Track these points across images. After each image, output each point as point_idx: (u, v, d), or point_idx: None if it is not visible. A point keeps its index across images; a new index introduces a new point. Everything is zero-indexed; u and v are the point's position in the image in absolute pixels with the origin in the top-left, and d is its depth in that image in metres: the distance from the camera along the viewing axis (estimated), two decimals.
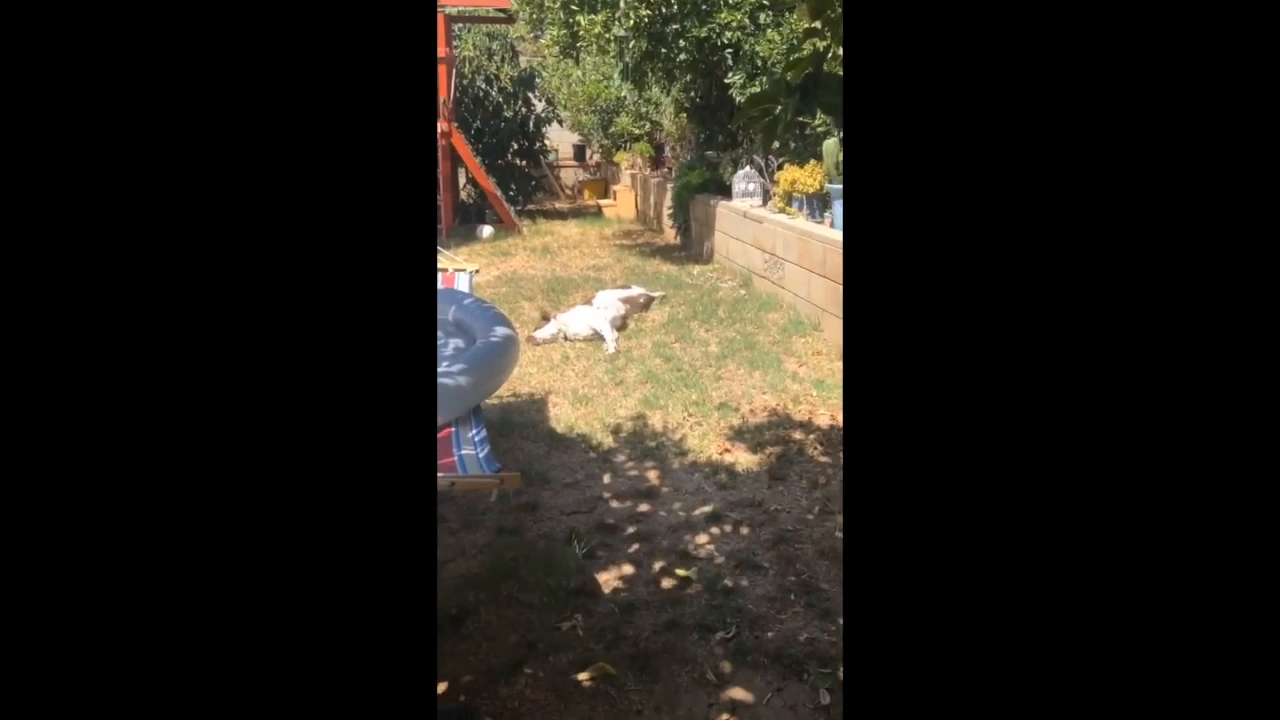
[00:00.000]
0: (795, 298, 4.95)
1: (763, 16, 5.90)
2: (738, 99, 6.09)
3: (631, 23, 5.73)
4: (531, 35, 7.20)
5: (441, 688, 1.78)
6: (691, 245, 7.42)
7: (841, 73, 1.16)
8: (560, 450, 3.12)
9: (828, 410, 3.44)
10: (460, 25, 9.27)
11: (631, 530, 2.52)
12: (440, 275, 3.22)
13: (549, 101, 10.28)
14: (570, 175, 12.51)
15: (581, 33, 5.88)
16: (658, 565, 2.31)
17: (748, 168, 6.24)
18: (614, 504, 2.70)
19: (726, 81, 6.15)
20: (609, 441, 3.19)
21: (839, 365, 3.94)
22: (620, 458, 3.05)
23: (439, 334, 2.72)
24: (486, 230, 8.38)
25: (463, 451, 2.07)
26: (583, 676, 1.85)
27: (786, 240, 5.07)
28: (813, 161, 5.25)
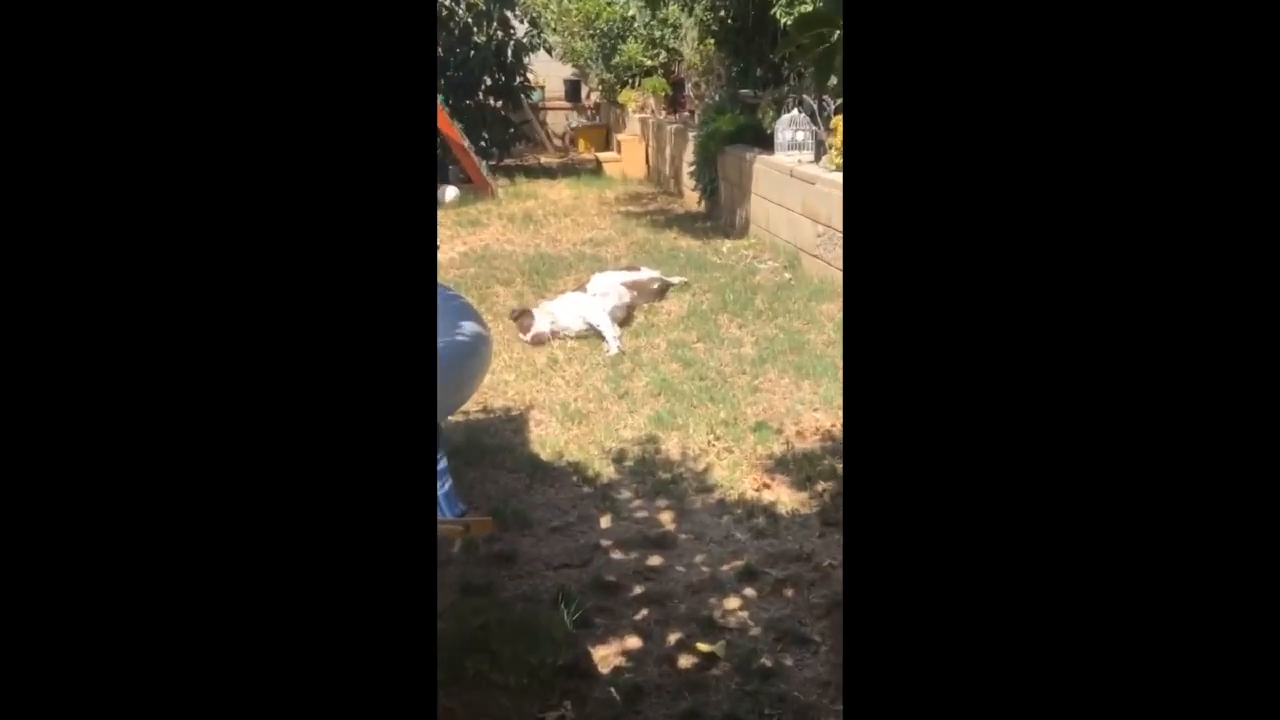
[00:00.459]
0: None
1: None
2: (783, 20, 6.10)
3: None
4: None
5: None
6: (720, 213, 7.44)
7: None
8: (545, 484, 3.15)
9: None
10: None
11: (639, 591, 2.53)
12: None
13: (533, 23, 10.34)
14: (560, 120, 12.58)
15: None
16: (673, 637, 2.32)
17: (795, 111, 6.25)
18: (616, 555, 2.72)
19: None
20: (609, 472, 3.22)
21: None
22: (624, 494, 3.07)
23: None
24: (450, 192, 8.42)
25: None
26: None
27: None
28: None
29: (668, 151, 9.09)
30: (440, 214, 7.66)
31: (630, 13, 9.74)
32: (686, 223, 7.36)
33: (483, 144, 9.78)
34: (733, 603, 2.47)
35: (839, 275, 5.18)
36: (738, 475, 3.18)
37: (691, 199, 8.09)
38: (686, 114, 9.19)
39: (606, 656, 2.25)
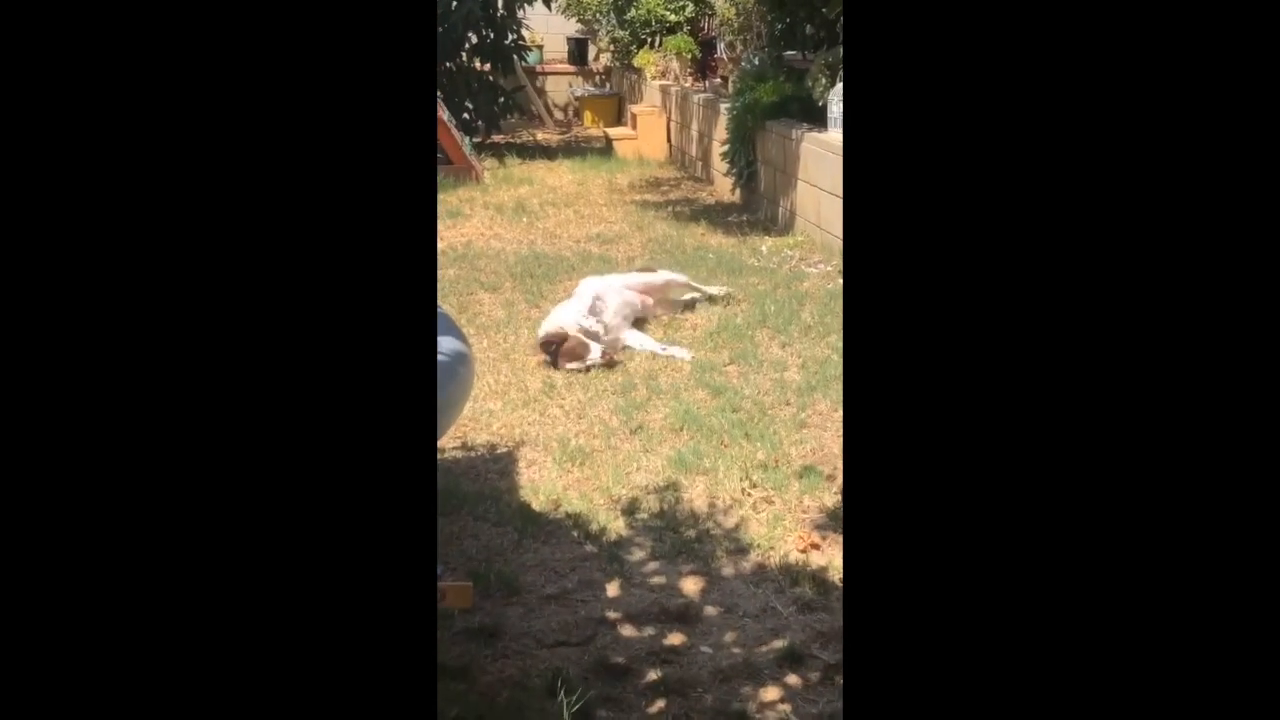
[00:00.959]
0: None
1: None
2: None
3: None
4: None
5: None
6: (759, 203, 7.46)
7: None
8: (538, 540, 3.15)
9: None
10: None
11: (654, 676, 2.51)
12: None
13: None
14: (562, 88, 12.64)
15: None
16: None
17: None
18: (625, 632, 2.71)
19: None
20: (618, 527, 3.22)
21: None
22: (637, 554, 3.06)
23: None
24: None
25: None
26: None
27: None
28: None
29: (694, 127, 9.12)
30: None
31: None
32: (717, 216, 7.37)
33: (466, 116, 9.84)
34: (771, 693, 2.45)
35: None
36: (779, 533, 3.17)
37: (724, 186, 8.11)
38: (718, 81, 9.26)
39: None
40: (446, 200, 7.75)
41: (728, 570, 2.97)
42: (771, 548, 3.08)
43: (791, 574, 2.94)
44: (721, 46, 9.28)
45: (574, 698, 2.37)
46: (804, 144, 6.57)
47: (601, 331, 4.57)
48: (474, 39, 10.10)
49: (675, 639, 2.66)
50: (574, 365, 4.44)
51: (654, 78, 10.43)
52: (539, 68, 12.40)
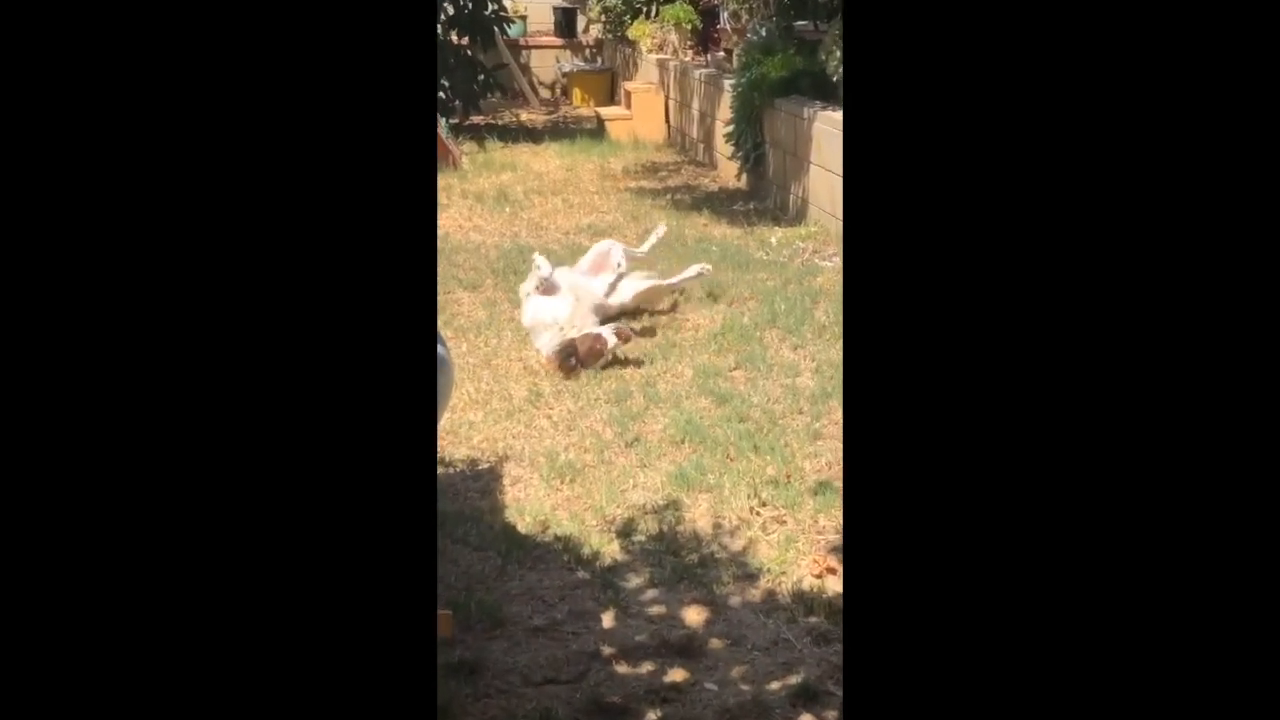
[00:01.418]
0: None
1: None
2: None
3: None
4: None
5: None
6: (767, 190, 7.47)
7: None
8: (524, 566, 3.14)
9: None
10: None
11: (654, 717, 2.51)
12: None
13: None
14: (549, 63, 12.62)
15: None
16: None
17: None
18: (621, 668, 2.69)
19: None
20: (613, 551, 3.22)
21: None
22: (634, 581, 3.05)
23: None
24: None
25: None
26: None
27: None
28: None
29: (695, 106, 9.14)
30: None
31: None
32: (721, 204, 7.38)
33: (442, 95, 9.82)
34: None
35: None
36: (791, 556, 3.17)
37: (728, 171, 8.13)
38: (721, 55, 9.23)
39: None
40: None
41: (734, 598, 2.95)
42: (783, 573, 3.06)
43: (805, 602, 2.94)
44: (725, 16, 9.26)
45: None
46: (817, 124, 6.57)
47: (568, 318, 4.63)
48: (450, 9, 10.08)
49: (676, 675, 2.64)
50: (602, 362, 4.46)
51: (650, 51, 10.42)
52: (522, 41, 12.39)
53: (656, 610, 2.90)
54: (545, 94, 12.45)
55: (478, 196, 7.60)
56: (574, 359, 4.49)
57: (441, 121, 8.82)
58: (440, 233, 6.68)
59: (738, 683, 2.62)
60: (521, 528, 3.32)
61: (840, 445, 3.81)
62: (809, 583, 3.04)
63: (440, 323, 4.08)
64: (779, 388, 4.32)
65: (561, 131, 10.32)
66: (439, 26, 10.00)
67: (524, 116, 11.34)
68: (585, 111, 11.36)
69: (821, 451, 3.79)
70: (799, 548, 3.21)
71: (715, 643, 2.78)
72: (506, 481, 3.63)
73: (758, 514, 3.40)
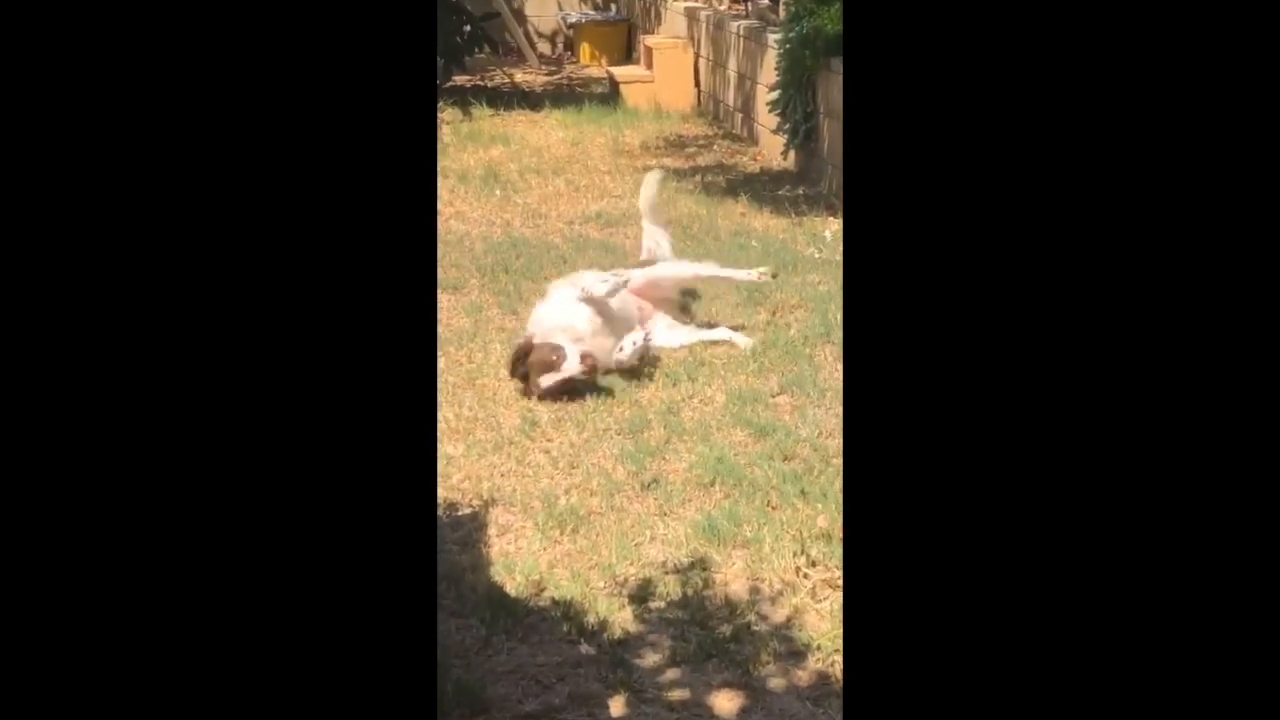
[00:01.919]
0: None
1: None
2: None
3: None
4: None
5: None
6: (821, 171, 7.14)
7: None
8: (514, 637, 3.01)
9: None
10: None
11: None
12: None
13: None
14: (550, 12, 12.29)
15: None
16: None
17: None
18: None
19: None
20: (624, 620, 3.07)
21: None
22: (650, 658, 2.91)
23: None
24: None
25: None
26: None
27: None
28: None
29: (732, 66, 8.85)
30: None
31: None
32: (763, 188, 7.15)
33: None
34: None
35: None
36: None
37: (772, 147, 7.82)
38: (765, 4, 8.82)
39: None
40: None
41: (776, 681, 2.80)
42: (836, 650, 2.85)
43: None
44: None
45: None
46: None
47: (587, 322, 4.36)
48: None
49: None
50: (550, 381, 4.15)
51: (676, 2, 10.03)
52: None
53: (678, 695, 2.76)
54: (545, 49, 12.08)
55: (461, 176, 7.52)
56: (524, 367, 4.27)
57: None
58: None
59: None
60: (511, 589, 3.17)
61: None
62: None
63: None
64: (833, 418, 4.03)
65: (565, 96, 10.29)
66: None
67: (519, 77, 11.17)
68: (595, 72, 11.20)
69: None
70: None
71: None
72: (493, 531, 3.47)
73: (805, 576, 3.20)
